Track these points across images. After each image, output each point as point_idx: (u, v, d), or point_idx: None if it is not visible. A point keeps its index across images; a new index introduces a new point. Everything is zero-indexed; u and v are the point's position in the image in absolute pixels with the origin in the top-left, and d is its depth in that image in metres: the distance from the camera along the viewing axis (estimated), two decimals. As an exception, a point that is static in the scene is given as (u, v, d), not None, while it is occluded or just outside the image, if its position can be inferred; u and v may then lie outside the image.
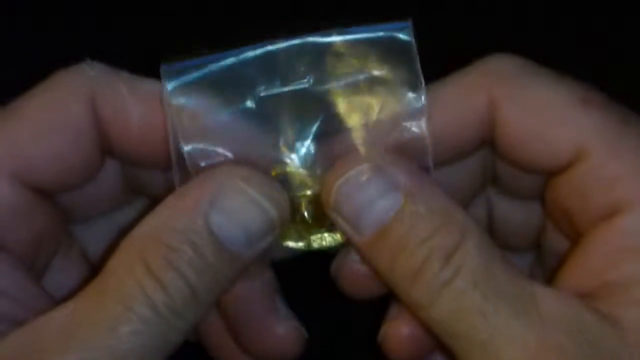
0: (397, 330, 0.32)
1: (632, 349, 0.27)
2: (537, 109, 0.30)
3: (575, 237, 0.31)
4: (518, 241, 0.36)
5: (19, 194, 0.31)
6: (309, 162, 0.31)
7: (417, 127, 0.30)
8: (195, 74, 0.30)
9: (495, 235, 0.37)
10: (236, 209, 0.28)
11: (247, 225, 0.28)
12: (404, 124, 0.30)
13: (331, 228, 0.31)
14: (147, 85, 0.31)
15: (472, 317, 0.27)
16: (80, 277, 0.35)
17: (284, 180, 0.31)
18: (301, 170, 0.31)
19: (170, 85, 0.30)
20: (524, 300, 0.27)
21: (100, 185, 0.33)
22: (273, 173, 0.31)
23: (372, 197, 0.29)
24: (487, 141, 0.32)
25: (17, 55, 0.52)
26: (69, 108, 0.31)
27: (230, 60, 0.30)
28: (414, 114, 0.30)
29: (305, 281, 0.38)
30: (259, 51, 0.30)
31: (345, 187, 0.29)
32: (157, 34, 0.53)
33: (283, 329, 0.34)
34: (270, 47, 0.30)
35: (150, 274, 0.27)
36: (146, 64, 0.51)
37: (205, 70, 0.30)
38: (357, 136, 0.30)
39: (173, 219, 0.28)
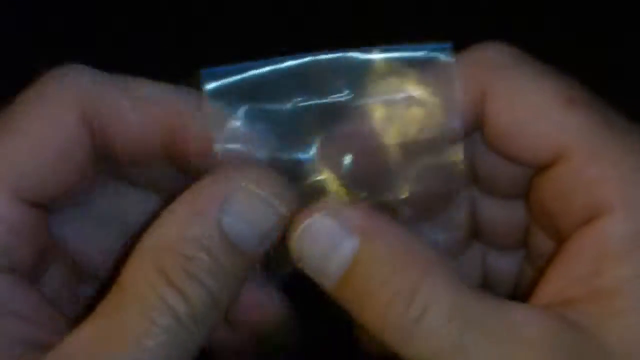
0: None
1: None
2: (523, 103, 0.30)
3: (558, 239, 0.31)
4: (505, 240, 0.36)
5: (20, 212, 0.31)
6: (344, 174, 0.31)
7: (452, 151, 0.30)
8: (234, 79, 0.30)
9: (481, 234, 0.37)
10: (246, 209, 0.28)
11: (258, 224, 0.29)
12: (440, 147, 0.30)
13: None
14: (141, 88, 0.31)
15: (451, 354, 0.27)
16: (67, 271, 0.35)
17: (318, 190, 0.31)
18: (335, 181, 0.31)
19: (208, 88, 0.30)
20: (503, 328, 0.27)
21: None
22: (307, 182, 0.31)
23: (332, 244, 0.28)
24: (475, 130, 0.32)
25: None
26: (63, 121, 0.31)
27: (269, 68, 0.30)
28: (450, 138, 0.30)
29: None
30: (298, 61, 0.30)
31: (303, 238, 0.29)
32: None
33: (259, 295, 0.34)
34: (310, 59, 0.30)
35: (170, 285, 0.27)
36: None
37: (244, 76, 0.30)
38: (392, 154, 0.31)
39: (185, 226, 0.28)
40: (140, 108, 0.31)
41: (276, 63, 0.30)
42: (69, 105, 0.31)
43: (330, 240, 0.28)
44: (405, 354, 0.27)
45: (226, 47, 0.52)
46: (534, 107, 0.30)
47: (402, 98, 0.30)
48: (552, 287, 0.29)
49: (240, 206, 0.28)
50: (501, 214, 0.35)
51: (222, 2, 0.54)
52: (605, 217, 0.28)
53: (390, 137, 0.30)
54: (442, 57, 0.30)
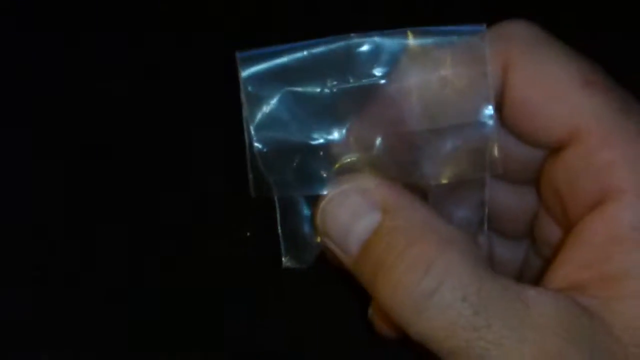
0: None
1: (627, 348, 0.27)
2: (541, 81, 0.30)
3: (567, 224, 0.31)
4: (511, 227, 0.37)
5: None
6: (375, 155, 0.31)
7: (484, 135, 0.30)
8: (269, 63, 0.30)
9: (490, 219, 0.36)
10: None
11: None
12: (472, 131, 0.30)
13: None
14: None
15: (464, 333, 0.26)
16: None
17: (349, 171, 0.31)
18: (366, 162, 0.31)
19: (244, 73, 0.30)
20: (517, 309, 0.27)
21: None
22: (338, 165, 0.31)
23: (354, 217, 0.29)
24: (496, 106, 0.32)
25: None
26: None
27: (304, 51, 0.30)
28: (481, 126, 0.30)
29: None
30: (333, 45, 0.30)
31: (327, 211, 0.30)
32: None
33: None
34: (344, 42, 0.30)
35: None
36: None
37: (279, 59, 0.30)
38: (424, 137, 0.31)
39: None
40: None
41: (311, 46, 0.30)
42: None
43: (352, 214, 0.29)
44: (414, 332, 0.27)
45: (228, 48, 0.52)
46: (551, 86, 0.30)
47: (435, 81, 0.30)
48: (561, 272, 0.29)
49: None
50: (510, 200, 0.36)
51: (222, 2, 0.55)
52: (615, 202, 0.28)
53: (423, 119, 0.30)
54: (476, 40, 0.30)
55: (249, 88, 0.30)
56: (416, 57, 0.30)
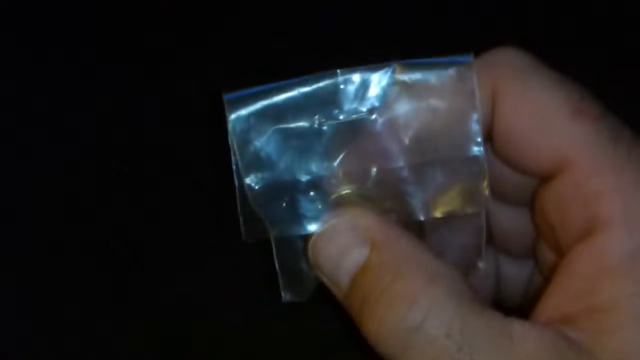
0: None
1: None
2: (530, 111, 0.30)
3: (559, 252, 0.31)
4: (515, 247, 0.36)
5: None
6: (367, 188, 0.31)
7: (474, 169, 0.30)
8: (256, 103, 0.30)
9: (493, 240, 0.37)
10: None
11: None
12: (460, 168, 0.30)
13: None
14: None
15: None
16: None
17: (343, 204, 0.31)
18: (359, 195, 0.31)
19: (232, 115, 0.30)
20: (501, 345, 0.27)
21: None
22: (333, 197, 0.31)
23: (343, 252, 0.29)
24: (486, 135, 0.32)
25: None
26: None
27: (292, 89, 0.30)
28: (471, 160, 0.30)
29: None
30: (320, 82, 0.30)
31: (318, 245, 0.30)
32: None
33: None
34: (331, 79, 0.30)
35: None
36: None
37: (266, 99, 0.30)
38: (413, 172, 0.30)
39: None
40: None
41: (297, 84, 0.30)
42: None
43: (341, 249, 0.29)
44: None
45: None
46: (539, 115, 0.30)
47: (423, 114, 0.30)
48: (552, 303, 0.29)
49: None
50: (511, 221, 0.35)
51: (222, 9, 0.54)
52: (604, 232, 0.28)
53: (412, 153, 0.30)
54: (464, 71, 0.29)
55: (237, 130, 0.30)
56: (404, 91, 0.30)
